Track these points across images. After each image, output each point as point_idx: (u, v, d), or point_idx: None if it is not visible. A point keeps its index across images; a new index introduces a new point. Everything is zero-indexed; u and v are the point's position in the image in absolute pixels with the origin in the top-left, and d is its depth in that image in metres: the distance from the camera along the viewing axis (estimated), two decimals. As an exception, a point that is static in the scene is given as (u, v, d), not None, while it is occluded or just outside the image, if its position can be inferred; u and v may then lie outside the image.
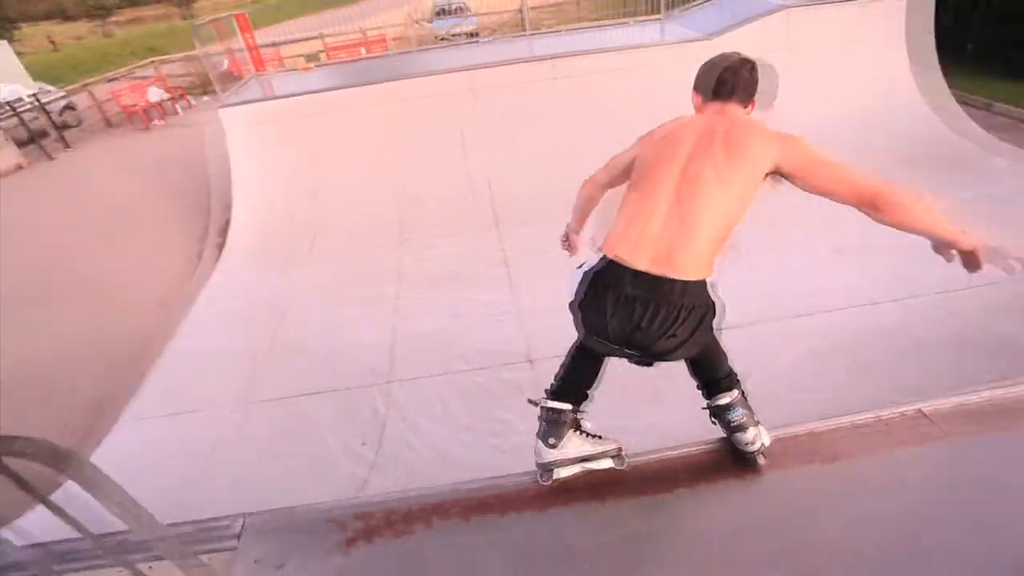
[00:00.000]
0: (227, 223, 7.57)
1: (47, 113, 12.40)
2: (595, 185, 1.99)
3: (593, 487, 1.97)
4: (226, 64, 14.42)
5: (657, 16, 8.86)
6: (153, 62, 16.70)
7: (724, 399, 1.79)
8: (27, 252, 8.00)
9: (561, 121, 7.19)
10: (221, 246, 7.03)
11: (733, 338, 4.28)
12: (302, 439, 4.01)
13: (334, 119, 7.09)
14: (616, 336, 1.56)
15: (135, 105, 13.44)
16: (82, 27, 50.87)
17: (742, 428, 1.78)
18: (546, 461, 1.87)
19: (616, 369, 1.93)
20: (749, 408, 1.81)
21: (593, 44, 7.88)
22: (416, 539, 1.82)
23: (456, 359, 4.61)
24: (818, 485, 1.91)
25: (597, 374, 1.87)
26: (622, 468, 1.94)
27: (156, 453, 4.12)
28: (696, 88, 1.77)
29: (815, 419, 2.16)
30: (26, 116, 12.07)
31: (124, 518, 1.47)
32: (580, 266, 1.67)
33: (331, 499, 2.10)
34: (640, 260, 1.48)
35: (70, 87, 14.98)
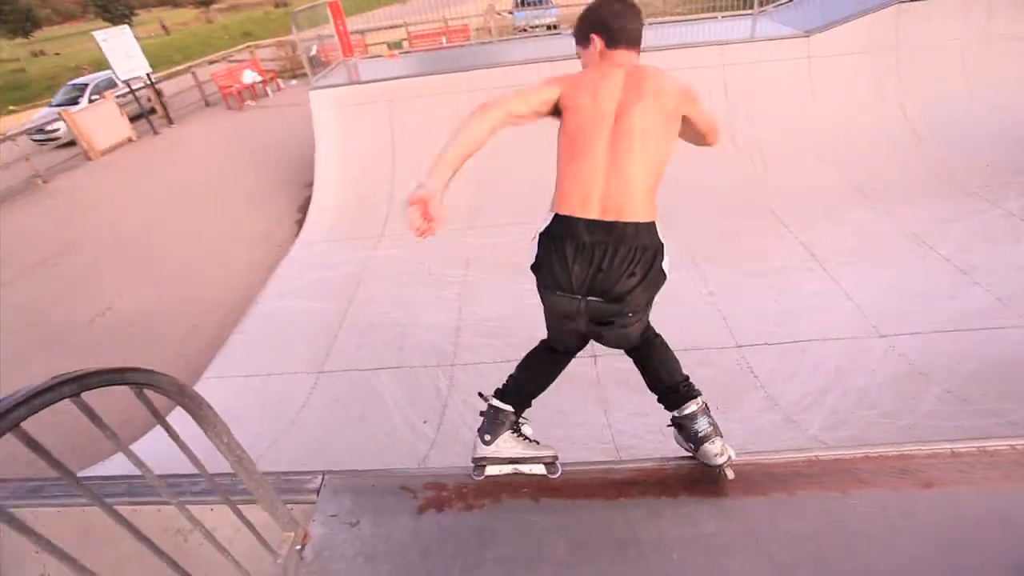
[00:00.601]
0: (307, 200, 7.96)
1: (158, 93, 13.43)
2: (507, 115, 1.64)
3: (664, 482, 1.94)
4: (314, 49, 15.13)
5: (748, 11, 8.48)
6: (248, 47, 17.73)
7: (690, 407, 1.77)
8: (131, 216, 8.76)
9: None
10: (300, 221, 7.40)
11: (814, 351, 4.06)
12: (368, 412, 4.17)
13: (415, 105, 7.27)
14: (579, 283, 1.58)
15: (231, 86, 14.36)
16: (188, 14, 54.99)
17: (708, 439, 1.72)
18: (478, 456, 1.93)
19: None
20: (712, 418, 1.77)
21: (679, 39, 7.65)
22: (485, 513, 1.85)
23: (519, 348, 4.58)
24: (909, 508, 1.78)
25: (551, 380, 2.03)
26: (555, 476, 1.95)
27: (234, 410, 4.40)
28: (596, 32, 1.69)
29: (909, 441, 2.02)
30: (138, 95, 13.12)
31: (229, 458, 1.57)
32: (533, 238, 1.69)
33: (403, 467, 2.16)
34: (591, 212, 1.52)
35: (177, 68, 16.18)
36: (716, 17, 8.90)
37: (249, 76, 14.63)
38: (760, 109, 6.76)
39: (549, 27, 15.90)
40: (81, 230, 8.57)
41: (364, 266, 5.99)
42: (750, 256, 5.49)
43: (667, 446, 3.55)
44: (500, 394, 2.00)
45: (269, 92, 15.13)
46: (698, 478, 1.93)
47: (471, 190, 6.94)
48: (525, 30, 15.57)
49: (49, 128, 12.61)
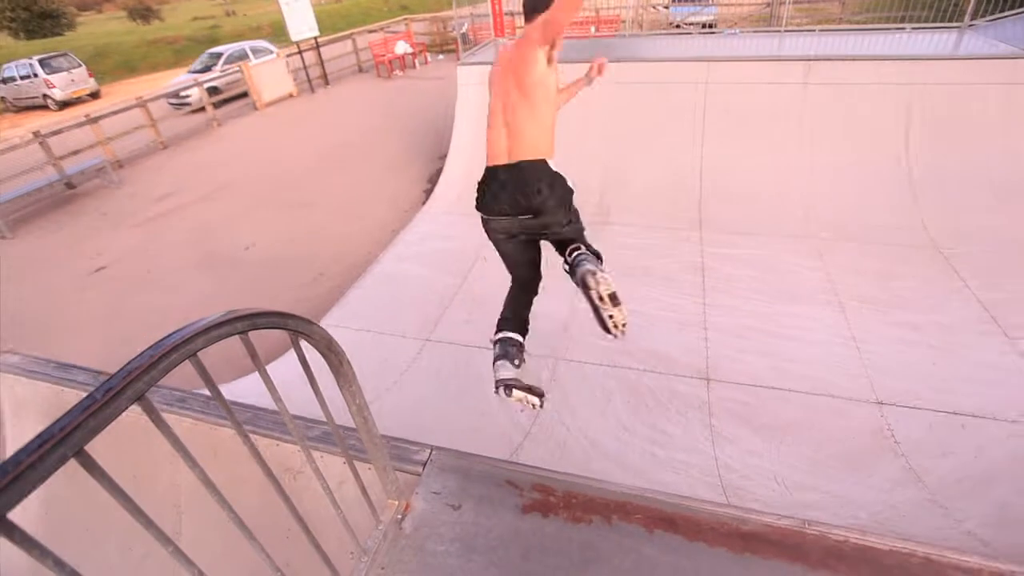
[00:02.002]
0: (438, 172, 8.19)
1: (320, 55, 14.55)
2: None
3: (801, 548, 1.67)
4: (466, 27, 15.53)
5: (955, 24, 7.32)
6: (404, 19, 18.64)
7: (579, 249, 2.34)
8: (282, 163, 9.58)
9: (804, 132, 6.39)
10: (429, 191, 7.63)
11: (980, 430, 3.42)
12: (466, 388, 4.18)
13: (558, 90, 7.15)
14: (511, 206, 2.16)
15: (384, 56, 15.19)
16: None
17: (591, 274, 2.21)
18: (509, 377, 2.26)
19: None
20: (596, 260, 2.36)
21: (859, 49, 6.80)
22: (593, 531, 1.71)
23: (628, 355, 4.41)
24: None
25: (531, 306, 2.65)
26: (540, 409, 2.32)
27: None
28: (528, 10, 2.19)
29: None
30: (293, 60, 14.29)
31: (356, 417, 1.56)
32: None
33: (510, 461, 2.07)
34: (501, 160, 2.16)
35: (339, 35, 17.43)
36: (904, 28, 7.80)
37: (402, 47, 15.39)
38: (950, 137, 5.84)
39: (705, 25, 15.00)
40: (239, 171, 9.54)
41: (484, 242, 6.01)
42: (908, 305, 4.77)
43: (791, 499, 3.20)
44: (507, 327, 2.46)
45: (417, 64, 15.83)
46: (846, 554, 1.64)
47: (597, 184, 6.73)
48: (679, 26, 14.85)
49: (183, 94, 13.20)
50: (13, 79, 18.30)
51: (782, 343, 4.48)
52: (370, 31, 18.26)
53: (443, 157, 8.49)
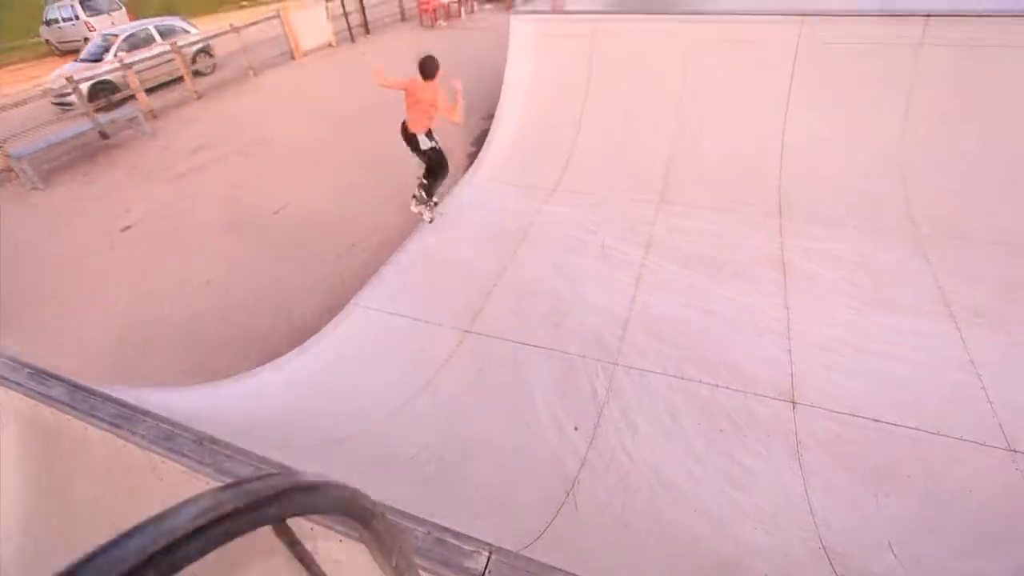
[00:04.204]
0: (483, 133, 7.50)
1: (362, 2, 13.72)
2: (390, 84, 4.98)
3: None
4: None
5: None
6: (451, -36, 17.47)
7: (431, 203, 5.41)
8: (318, 118, 9.03)
9: (913, 106, 5.44)
10: (472, 156, 6.98)
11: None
12: (511, 393, 3.67)
13: (625, 46, 6.31)
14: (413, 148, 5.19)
15: (428, 3, 14.25)
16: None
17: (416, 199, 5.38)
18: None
19: None
20: (424, 196, 5.37)
21: (993, 4, 5.69)
22: None
23: (698, 365, 3.80)
24: None
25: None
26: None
27: (373, 349, 4.18)
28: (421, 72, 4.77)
29: None
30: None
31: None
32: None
33: (570, 500, 1.53)
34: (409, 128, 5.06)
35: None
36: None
37: (447, -6, 14.42)
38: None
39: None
40: (272, 125, 9.04)
41: (532, 219, 5.41)
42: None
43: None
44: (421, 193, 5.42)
45: (463, 13, 14.85)
46: None
47: (661, 157, 5.95)
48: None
49: (65, 92, 9.67)
50: (56, 21, 18.12)
51: (881, 362, 3.78)
52: (414, -23, 17.19)
53: (489, 117, 7.76)
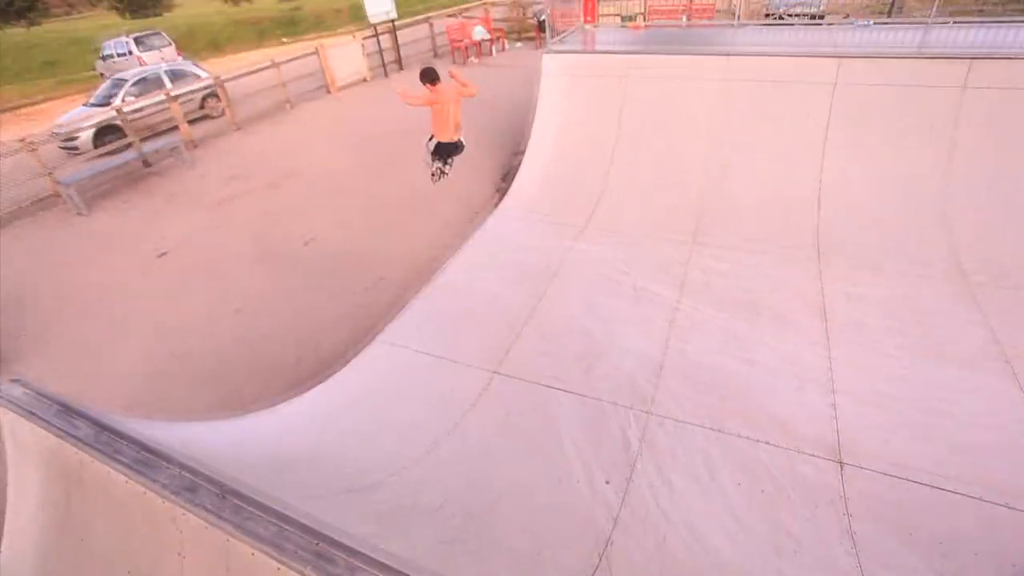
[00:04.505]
0: (513, 169, 7.53)
1: (396, 39, 14.17)
2: (415, 100, 4.97)
3: None
4: (546, 13, 14.71)
5: None
6: (483, 4, 18.04)
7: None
8: (347, 151, 9.21)
9: (959, 146, 5.28)
10: (503, 191, 6.99)
11: None
12: (540, 441, 3.52)
13: (658, 85, 6.31)
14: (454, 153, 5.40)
15: (460, 41, 14.65)
16: (435, -31, 59.30)
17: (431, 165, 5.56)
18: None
19: None
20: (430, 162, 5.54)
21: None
22: None
23: (737, 417, 3.61)
24: None
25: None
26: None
27: (399, 387, 4.09)
28: (427, 82, 4.99)
29: None
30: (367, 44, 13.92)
31: None
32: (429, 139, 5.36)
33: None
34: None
35: (417, 18, 17.07)
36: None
37: (479, 33, 14.79)
38: None
39: (813, 17, 13.47)
40: (306, 157, 9.25)
41: (562, 257, 5.33)
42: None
43: None
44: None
45: (494, 51, 15.21)
46: None
47: (694, 196, 5.85)
48: (781, 17, 13.44)
49: (73, 135, 9.98)
50: (111, 56, 19.14)
51: (938, 421, 3.53)
52: (448, 15, 17.78)
53: (519, 152, 7.81)
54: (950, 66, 5.49)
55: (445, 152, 5.33)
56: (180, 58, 19.60)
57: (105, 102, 11.00)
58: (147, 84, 11.60)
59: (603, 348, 4.23)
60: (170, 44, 19.39)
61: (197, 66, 13.11)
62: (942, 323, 4.31)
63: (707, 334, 4.26)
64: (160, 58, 18.81)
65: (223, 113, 11.48)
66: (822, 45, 6.42)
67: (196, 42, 25.83)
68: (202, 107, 11.76)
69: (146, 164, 9.47)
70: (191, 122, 10.63)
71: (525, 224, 6.00)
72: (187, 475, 1.82)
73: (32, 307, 5.93)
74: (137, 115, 10.11)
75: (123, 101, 10.68)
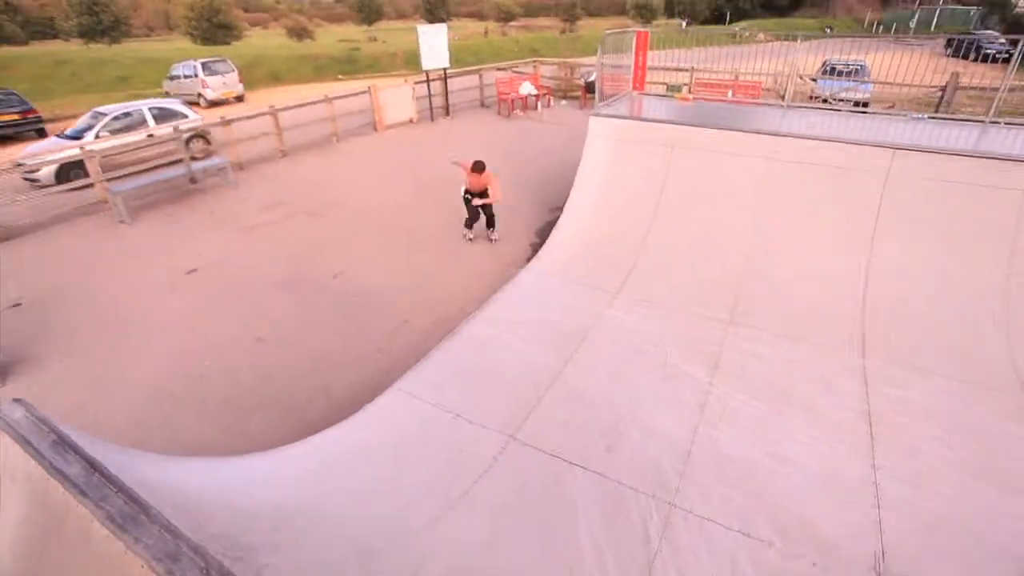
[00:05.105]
0: (548, 224, 7.50)
1: (446, 87, 14.69)
2: (461, 169, 7.20)
3: None
4: (595, 75, 15.11)
5: None
6: (534, 61, 18.67)
7: (495, 233, 7.41)
8: (387, 188, 9.34)
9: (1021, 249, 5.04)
10: (536, 246, 6.93)
11: None
12: (552, 522, 3.26)
13: (703, 159, 6.27)
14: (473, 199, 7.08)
15: (508, 94, 15.08)
16: (489, 26, 62.74)
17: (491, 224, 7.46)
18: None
19: None
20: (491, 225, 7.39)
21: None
22: None
23: (769, 520, 3.30)
24: None
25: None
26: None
27: (412, 441, 3.89)
28: (472, 170, 6.81)
29: None
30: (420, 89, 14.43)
31: None
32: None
33: None
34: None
35: (468, 69, 17.73)
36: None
37: (527, 88, 15.23)
38: None
39: (857, 104, 13.52)
40: (346, 190, 9.41)
41: (592, 322, 5.16)
42: None
43: None
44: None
45: (539, 107, 15.60)
46: None
47: (733, 275, 5.67)
48: (827, 101, 13.53)
49: (33, 167, 9.38)
50: (179, 77, 20.29)
51: (1004, 557, 3.16)
52: (498, 68, 18.42)
53: (556, 209, 7.81)
54: (1011, 169, 5.32)
55: (470, 203, 7.05)
56: (240, 84, 20.62)
57: (79, 135, 10.61)
58: (129, 120, 11.12)
59: (628, 425, 3.98)
60: (233, 71, 20.48)
61: (186, 106, 12.59)
62: (1002, 444, 3.96)
63: (740, 423, 3.99)
64: (222, 83, 19.85)
65: (209, 156, 11.04)
66: (873, 134, 6.33)
67: (258, 71, 27.26)
68: (187, 148, 10.73)
69: (193, 181, 9.76)
70: (171, 163, 9.94)
71: (557, 283, 5.87)
72: (171, 540, 1.65)
73: (62, 310, 5.97)
74: (113, 152, 9.47)
75: (97, 137, 10.40)
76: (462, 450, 3.76)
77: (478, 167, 6.71)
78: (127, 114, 11.23)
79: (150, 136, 10.45)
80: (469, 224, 7.35)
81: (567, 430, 3.95)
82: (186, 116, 11.95)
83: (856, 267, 5.40)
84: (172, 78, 20.68)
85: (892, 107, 14.12)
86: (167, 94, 21.26)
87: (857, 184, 5.71)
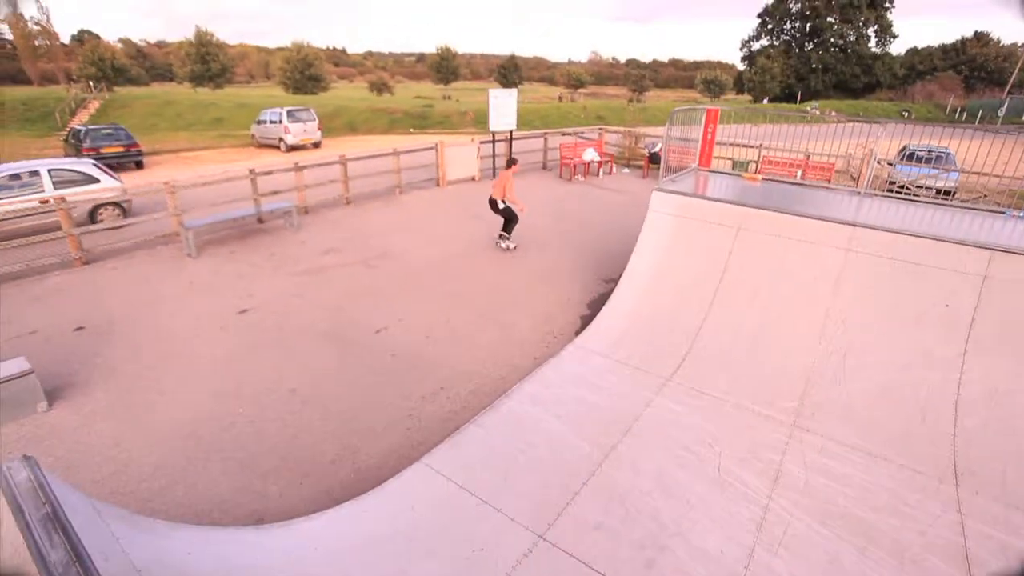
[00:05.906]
0: (601, 296, 7.23)
1: (511, 147, 15.07)
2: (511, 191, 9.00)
3: None
4: (658, 146, 15.09)
5: None
6: (599, 128, 18.98)
7: (508, 240, 9.36)
8: (443, 243, 9.40)
9: None
10: (586, 319, 6.65)
11: None
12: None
13: (770, 244, 5.91)
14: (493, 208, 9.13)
15: (570, 159, 15.27)
16: (560, 91, 65.28)
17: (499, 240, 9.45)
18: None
19: None
20: (504, 235, 9.32)
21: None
22: None
23: None
24: None
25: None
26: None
27: (432, 525, 3.58)
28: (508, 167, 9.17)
29: None
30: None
31: None
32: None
33: None
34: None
35: (534, 132, 18.20)
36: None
37: (590, 154, 15.38)
38: None
39: (940, 192, 12.73)
40: (402, 242, 9.54)
41: (640, 411, 4.77)
42: None
43: None
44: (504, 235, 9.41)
45: (601, 173, 15.67)
46: None
47: (798, 372, 5.16)
48: (904, 187, 12.85)
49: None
50: (265, 122, 21.93)
51: None
52: (563, 133, 18.82)
53: (610, 281, 7.56)
54: None
55: (491, 206, 9.06)
56: (319, 132, 21.95)
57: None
58: (17, 181, 9.35)
59: (672, 538, 3.52)
60: (315, 119, 21.92)
61: (101, 169, 10.60)
62: None
63: (805, 555, 3.44)
64: (303, 130, 21.22)
65: (120, 227, 9.75)
66: (963, 230, 5.79)
67: (337, 120, 29.17)
68: (92, 219, 9.60)
69: (260, 221, 10.20)
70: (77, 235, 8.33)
71: (604, 363, 5.53)
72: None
73: (118, 338, 6.15)
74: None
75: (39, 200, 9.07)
76: (483, 547, 3.41)
77: (509, 162, 9.10)
78: (15, 176, 9.41)
79: (43, 203, 8.90)
80: (507, 229, 9.24)
81: (603, 536, 3.52)
82: (97, 180, 10.17)
83: (948, 381, 4.78)
84: (259, 122, 22.36)
85: (981, 198, 13.24)
86: (252, 136, 22.93)
87: (947, 286, 5.16)
